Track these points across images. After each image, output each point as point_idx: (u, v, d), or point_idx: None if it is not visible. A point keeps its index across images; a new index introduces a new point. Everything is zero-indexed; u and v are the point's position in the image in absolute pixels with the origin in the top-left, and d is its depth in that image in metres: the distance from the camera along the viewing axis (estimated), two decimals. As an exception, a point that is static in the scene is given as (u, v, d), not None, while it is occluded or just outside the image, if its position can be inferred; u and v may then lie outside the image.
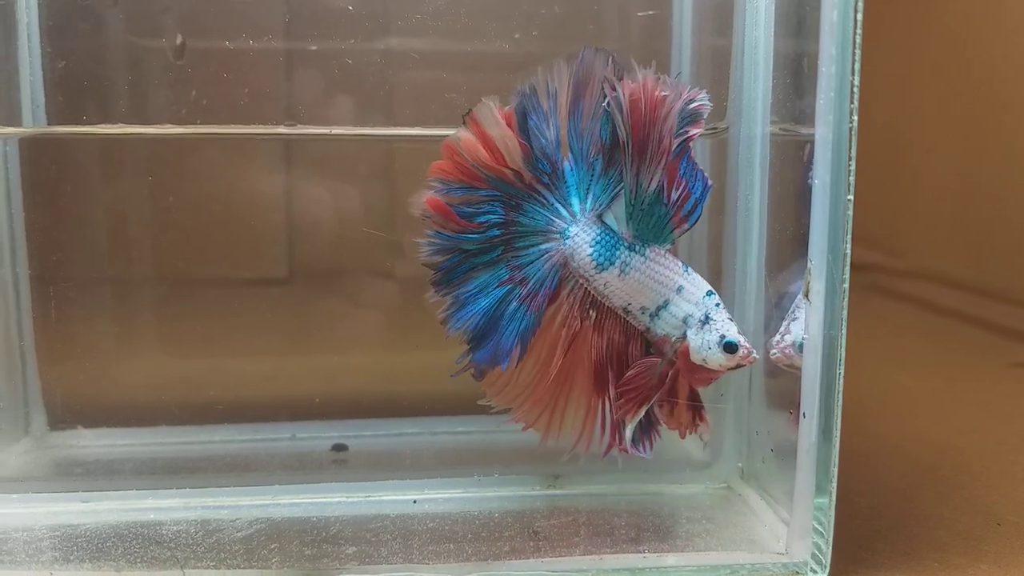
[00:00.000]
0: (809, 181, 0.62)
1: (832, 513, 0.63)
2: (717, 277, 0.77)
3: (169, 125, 0.78)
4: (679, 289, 0.66)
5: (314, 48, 0.80)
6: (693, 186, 0.64)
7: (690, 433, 0.68)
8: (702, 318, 0.65)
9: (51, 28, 0.78)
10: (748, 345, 0.64)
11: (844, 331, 0.60)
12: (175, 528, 0.68)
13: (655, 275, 0.66)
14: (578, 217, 0.66)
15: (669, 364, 0.66)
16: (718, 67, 0.77)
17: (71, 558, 0.63)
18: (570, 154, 0.65)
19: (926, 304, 1.68)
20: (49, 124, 0.79)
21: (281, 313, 0.89)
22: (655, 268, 0.66)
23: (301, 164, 0.86)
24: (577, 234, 0.66)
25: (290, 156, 0.86)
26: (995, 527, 0.74)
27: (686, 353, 0.65)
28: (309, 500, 0.72)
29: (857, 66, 0.58)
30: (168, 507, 0.71)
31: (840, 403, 0.61)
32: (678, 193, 0.64)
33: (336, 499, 0.73)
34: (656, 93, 0.62)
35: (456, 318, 0.66)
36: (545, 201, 0.66)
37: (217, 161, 0.85)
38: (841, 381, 0.61)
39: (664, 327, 0.66)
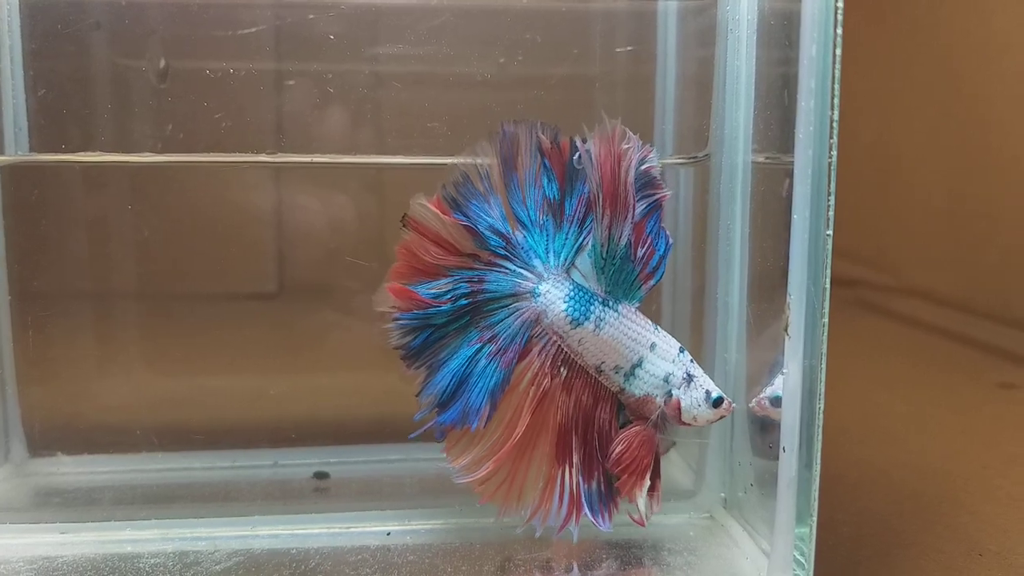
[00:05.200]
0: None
1: (813, 544, 0.62)
2: (699, 307, 0.77)
3: (150, 154, 0.78)
4: (652, 346, 0.66)
5: (297, 74, 0.80)
6: (657, 243, 0.65)
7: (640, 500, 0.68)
8: (684, 376, 0.66)
9: (34, 51, 0.78)
10: (729, 397, 0.67)
11: (824, 365, 0.60)
12: (152, 561, 0.67)
13: (628, 332, 0.66)
14: (545, 275, 0.66)
15: (656, 427, 0.67)
16: (702, 95, 0.77)
17: (47, 593, 0.63)
18: (518, 224, 0.66)
19: (913, 321, 1.69)
20: (32, 148, 0.78)
21: (270, 329, 0.89)
22: (628, 325, 0.66)
23: (290, 179, 0.86)
24: (549, 291, 0.66)
25: (279, 172, 0.86)
26: (977, 557, 0.74)
27: (676, 412, 0.66)
28: (289, 531, 0.72)
29: (836, 101, 0.58)
30: (146, 539, 0.71)
31: (820, 437, 0.61)
32: (644, 250, 0.65)
33: (316, 530, 0.72)
34: (620, 147, 0.63)
35: (429, 385, 0.67)
36: (507, 270, 0.66)
37: (204, 177, 0.85)
38: (821, 416, 0.61)
39: (642, 386, 0.66)
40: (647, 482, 0.67)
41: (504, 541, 0.71)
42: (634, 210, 0.64)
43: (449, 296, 0.66)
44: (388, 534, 0.72)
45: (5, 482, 0.81)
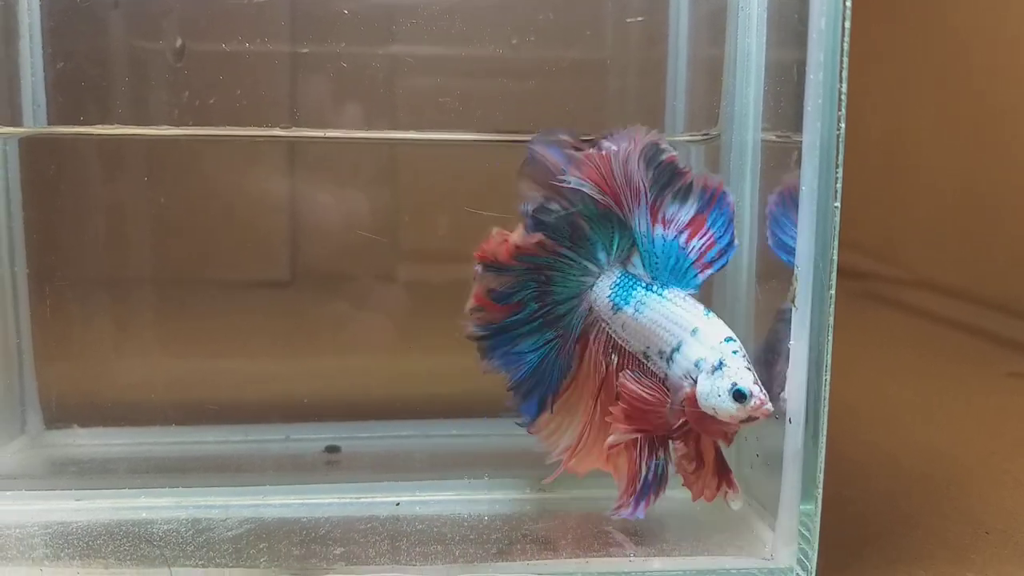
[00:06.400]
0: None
1: (818, 519, 0.63)
2: (708, 285, 0.78)
3: (166, 127, 0.79)
4: (694, 331, 0.64)
5: (311, 52, 0.80)
6: (720, 237, 0.65)
7: (719, 497, 0.66)
8: (715, 363, 0.62)
9: (53, 29, 0.79)
10: (762, 396, 0.60)
11: (831, 338, 0.61)
12: (166, 527, 0.68)
13: (670, 315, 0.65)
14: (605, 269, 0.68)
15: (680, 410, 0.64)
16: (712, 74, 0.77)
17: (61, 555, 0.64)
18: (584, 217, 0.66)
19: (922, 312, 1.68)
20: (50, 124, 0.79)
21: (282, 316, 0.90)
22: (671, 308, 0.65)
23: (304, 166, 0.87)
24: (601, 281, 0.67)
25: (293, 158, 0.87)
26: (983, 536, 0.75)
27: (693, 400, 0.63)
28: (300, 501, 0.73)
29: (844, 73, 0.58)
30: (160, 506, 0.72)
31: (826, 409, 0.61)
32: (702, 241, 0.65)
33: (327, 500, 0.73)
34: (602, 153, 0.64)
35: (512, 376, 0.69)
36: (572, 261, 0.67)
37: (219, 162, 0.86)
38: (827, 388, 0.61)
39: (678, 371, 0.64)
40: (627, 438, 0.66)
41: (512, 513, 0.72)
42: (646, 194, 0.64)
43: (519, 299, 0.67)
44: (398, 504, 0.73)
45: (21, 452, 0.82)
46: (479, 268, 0.67)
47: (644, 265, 0.66)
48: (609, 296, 0.67)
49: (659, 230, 0.65)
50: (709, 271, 0.65)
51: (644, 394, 0.65)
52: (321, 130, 0.80)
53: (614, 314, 0.67)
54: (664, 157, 0.65)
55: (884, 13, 1.78)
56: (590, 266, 0.68)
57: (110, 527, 0.68)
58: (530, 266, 0.67)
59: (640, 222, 0.65)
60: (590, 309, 0.68)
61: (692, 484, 0.66)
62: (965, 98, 1.67)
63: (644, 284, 0.66)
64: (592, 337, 0.68)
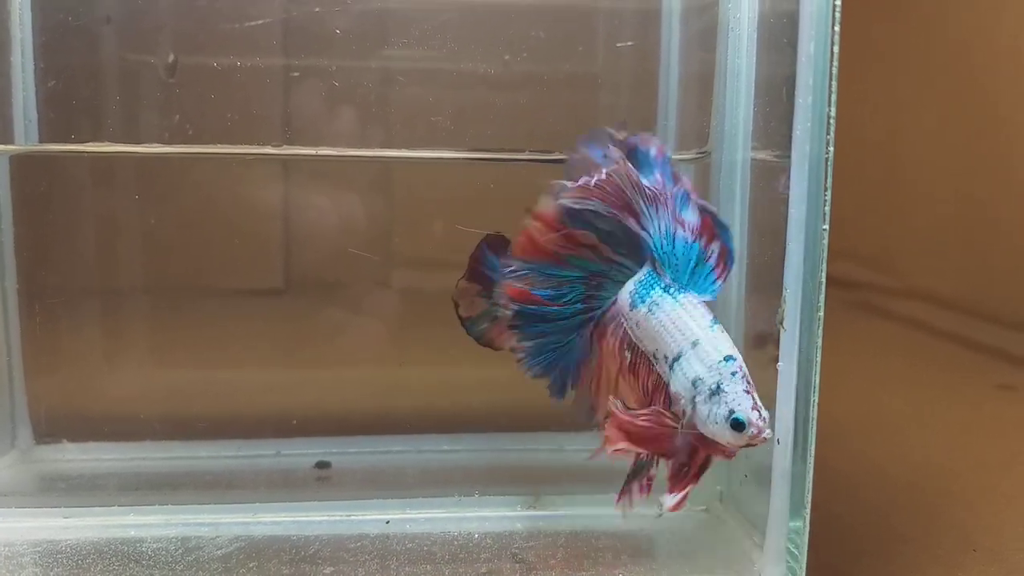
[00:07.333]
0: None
1: (806, 537, 0.63)
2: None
3: (158, 144, 0.79)
4: (695, 343, 0.61)
5: (304, 69, 0.81)
6: (727, 240, 0.63)
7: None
8: (713, 386, 0.59)
9: (44, 45, 0.79)
10: (760, 423, 0.58)
11: (819, 358, 0.61)
12: (155, 546, 0.68)
13: (678, 321, 0.62)
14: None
15: (685, 436, 0.61)
16: (703, 93, 0.77)
17: (50, 574, 0.64)
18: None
19: (915, 323, 1.69)
20: (41, 140, 0.79)
21: (277, 324, 0.90)
22: (680, 314, 0.62)
23: (298, 175, 0.87)
24: (630, 278, 0.65)
25: (287, 167, 0.87)
26: (971, 553, 0.75)
27: (692, 423, 0.61)
28: (290, 519, 0.73)
29: (833, 97, 0.58)
30: (149, 524, 0.72)
31: (814, 430, 0.62)
32: (717, 244, 0.62)
33: (317, 518, 0.73)
34: (603, 168, 0.62)
35: (531, 360, 0.68)
36: (628, 270, 0.65)
37: (212, 171, 0.86)
38: (815, 408, 0.61)
39: (675, 383, 0.61)
40: (628, 457, 0.64)
41: (502, 531, 0.72)
42: (664, 199, 0.62)
43: (567, 299, 0.66)
44: (387, 522, 0.73)
45: (10, 468, 0.82)
46: (520, 264, 0.65)
47: (665, 268, 0.63)
48: (631, 292, 0.64)
49: (680, 232, 0.62)
50: (724, 276, 0.63)
51: (639, 423, 0.64)
52: (313, 148, 0.80)
53: (631, 310, 0.64)
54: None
55: (883, 15, 1.78)
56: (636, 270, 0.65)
57: (99, 545, 0.68)
58: (584, 272, 0.65)
59: (659, 224, 0.62)
60: (615, 300, 0.65)
61: (672, 480, 0.63)
62: (963, 104, 1.67)
63: (663, 285, 0.63)
64: (610, 329, 0.66)
